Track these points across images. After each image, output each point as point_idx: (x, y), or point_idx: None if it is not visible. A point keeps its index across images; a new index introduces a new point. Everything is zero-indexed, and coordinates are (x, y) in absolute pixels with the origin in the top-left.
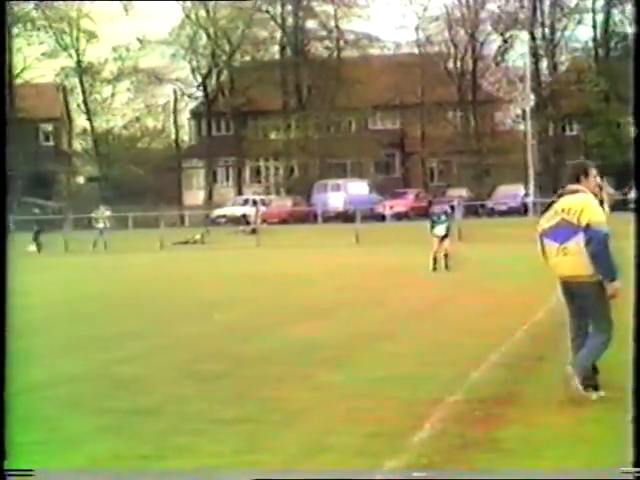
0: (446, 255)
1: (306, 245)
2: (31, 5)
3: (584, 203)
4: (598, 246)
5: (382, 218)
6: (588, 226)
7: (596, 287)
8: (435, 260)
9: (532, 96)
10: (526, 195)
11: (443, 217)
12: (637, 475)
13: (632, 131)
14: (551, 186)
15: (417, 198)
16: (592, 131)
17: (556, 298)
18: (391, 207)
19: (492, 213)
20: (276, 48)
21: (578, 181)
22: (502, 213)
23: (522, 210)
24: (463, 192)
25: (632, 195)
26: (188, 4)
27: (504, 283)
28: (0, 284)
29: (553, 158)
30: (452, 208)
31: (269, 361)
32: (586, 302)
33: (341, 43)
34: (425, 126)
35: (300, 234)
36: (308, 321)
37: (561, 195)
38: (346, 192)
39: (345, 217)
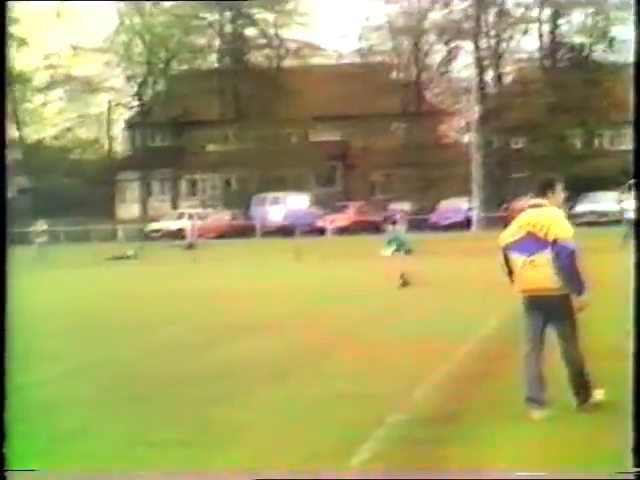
0: (401, 275)
1: (245, 260)
2: None
3: (551, 218)
4: (565, 261)
5: (322, 232)
6: (555, 241)
7: (564, 299)
8: (401, 277)
9: (477, 108)
10: (470, 209)
11: (391, 237)
12: (637, 475)
13: (578, 144)
14: (496, 200)
15: (359, 212)
16: (537, 144)
17: (498, 317)
18: (332, 221)
19: (436, 227)
20: (214, 56)
21: (544, 195)
22: (446, 227)
23: (466, 224)
24: (406, 206)
25: (578, 209)
26: (123, 10)
27: (449, 298)
28: (0, 286)
29: (498, 171)
30: (394, 223)
31: (206, 380)
32: (554, 314)
33: (281, 52)
34: (367, 138)
35: (238, 249)
36: (246, 338)
37: (507, 208)
38: (286, 206)
39: (285, 231)
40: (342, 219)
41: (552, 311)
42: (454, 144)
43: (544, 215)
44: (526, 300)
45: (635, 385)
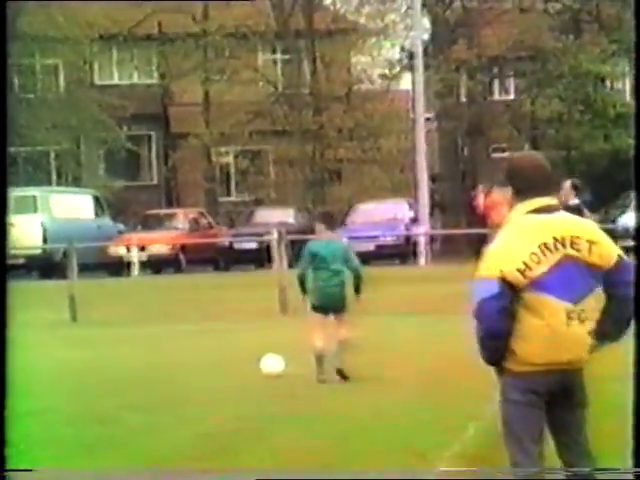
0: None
1: None
2: None
3: (594, 228)
4: (630, 288)
5: (127, 267)
6: (619, 263)
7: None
8: (320, 358)
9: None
10: (414, 221)
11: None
12: (637, 475)
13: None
14: (462, 200)
15: (196, 225)
16: (544, 90)
17: None
18: (142, 246)
19: None
20: None
21: (548, 193)
22: (367, 257)
23: (406, 250)
24: (289, 214)
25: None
26: None
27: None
28: (0, 290)
29: (468, 145)
30: (268, 250)
31: None
32: (573, 399)
33: None
34: (207, 80)
35: None
36: None
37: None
38: (48, 212)
39: (46, 265)
40: (163, 241)
41: (572, 394)
42: (381, 93)
43: (584, 225)
44: (544, 383)
45: (635, 385)
